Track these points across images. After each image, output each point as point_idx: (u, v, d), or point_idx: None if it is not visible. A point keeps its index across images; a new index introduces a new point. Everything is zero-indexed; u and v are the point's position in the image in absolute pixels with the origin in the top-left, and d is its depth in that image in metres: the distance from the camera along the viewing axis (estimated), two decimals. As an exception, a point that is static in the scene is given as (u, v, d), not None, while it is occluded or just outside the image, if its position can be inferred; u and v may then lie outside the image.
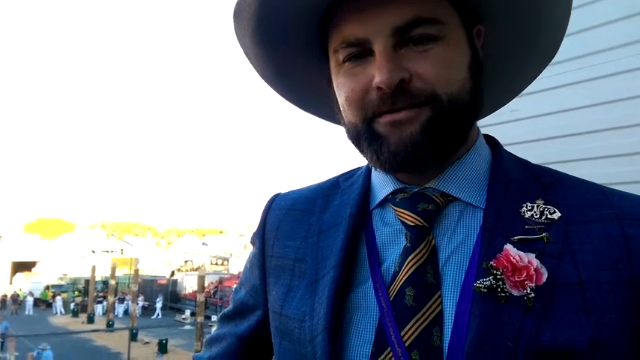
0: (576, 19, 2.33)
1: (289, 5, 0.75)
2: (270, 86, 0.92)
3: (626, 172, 2.21)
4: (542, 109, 2.52)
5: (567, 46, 2.09)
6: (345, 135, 0.80)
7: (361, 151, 0.78)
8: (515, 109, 2.52)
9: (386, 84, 0.69)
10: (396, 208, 0.79)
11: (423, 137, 0.71)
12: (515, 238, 0.70)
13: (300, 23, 0.79)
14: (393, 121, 0.71)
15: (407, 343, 0.68)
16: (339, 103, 0.78)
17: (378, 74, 0.69)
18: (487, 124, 2.67)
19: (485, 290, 0.66)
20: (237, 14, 0.78)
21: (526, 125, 2.55)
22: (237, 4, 0.76)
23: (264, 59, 0.86)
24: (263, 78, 0.90)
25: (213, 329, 1.06)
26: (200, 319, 25.76)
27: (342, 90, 0.76)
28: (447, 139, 0.73)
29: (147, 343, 26.47)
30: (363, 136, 0.75)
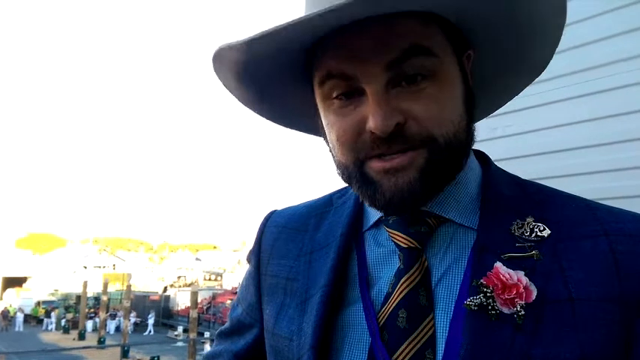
0: (570, 36, 2.36)
1: (271, 49, 0.71)
2: (255, 112, 0.89)
3: (620, 187, 2.22)
4: (535, 124, 2.53)
5: (561, 63, 2.12)
6: (336, 171, 0.78)
7: (352, 188, 0.77)
8: (508, 124, 2.54)
9: (381, 130, 0.66)
10: (389, 229, 0.79)
11: (421, 182, 0.69)
12: (506, 256, 0.69)
13: (284, 61, 0.76)
14: (386, 168, 0.69)
15: None
16: (330, 139, 0.76)
17: (372, 119, 0.66)
18: (481, 140, 2.67)
19: (475, 308, 0.66)
20: (216, 59, 0.74)
21: (520, 141, 2.57)
22: (217, 51, 0.72)
23: (246, 93, 0.83)
24: (247, 106, 0.87)
25: (206, 346, 1.05)
26: (193, 335, 25.42)
27: (332, 129, 0.73)
28: (443, 178, 0.72)
29: (139, 360, 26.14)
30: (354, 179, 0.73)
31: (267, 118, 0.91)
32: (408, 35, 0.66)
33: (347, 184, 0.78)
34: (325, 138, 0.78)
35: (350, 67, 0.68)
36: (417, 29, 0.67)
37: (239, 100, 0.86)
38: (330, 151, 0.78)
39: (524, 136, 2.55)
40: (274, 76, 0.80)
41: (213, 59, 0.74)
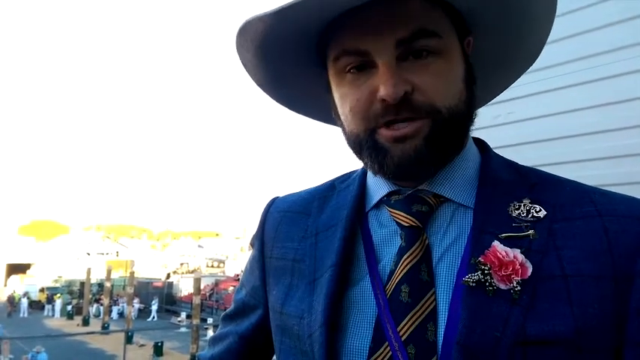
0: (572, 23, 2.36)
1: (295, 24, 0.76)
2: (267, 94, 0.93)
3: (620, 173, 2.23)
4: (537, 111, 2.53)
5: (563, 49, 2.12)
6: (345, 142, 0.83)
7: (361, 159, 0.81)
8: (511, 111, 2.54)
9: (391, 97, 0.71)
10: (391, 209, 0.82)
11: (426, 149, 0.74)
12: (503, 235, 0.73)
13: (303, 39, 0.81)
14: (396, 136, 0.74)
15: (403, 338, 0.71)
16: (342, 111, 0.81)
17: (382, 88, 0.72)
18: (484, 127, 2.69)
19: (473, 284, 0.70)
20: (242, 32, 0.79)
21: (522, 128, 2.57)
22: (244, 24, 0.77)
23: (263, 70, 0.88)
24: (260, 87, 0.92)
25: (209, 332, 1.08)
26: (196, 321, 25.64)
27: (346, 100, 0.78)
28: (447, 149, 0.77)
29: (142, 345, 26.38)
30: (365, 146, 0.78)
31: (280, 102, 0.96)
32: (416, 16, 0.72)
33: (355, 154, 0.82)
34: (336, 114, 0.83)
35: (363, 42, 0.73)
36: (425, 11, 0.73)
37: (255, 80, 0.90)
38: (342, 124, 0.82)
39: (526, 123, 2.56)
40: (291, 55, 0.85)
41: (238, 32, 0.79)
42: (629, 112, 2.23)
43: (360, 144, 0.78)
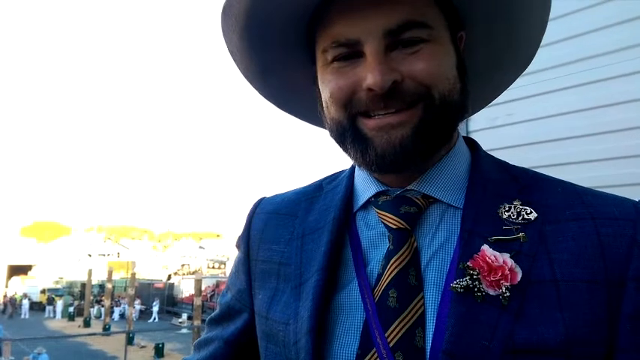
0: (570, 26, 2.36)
1: (279, 3, 0.74)
2: (253, 85, 0.91)
3: (620, 174, 2.22)
4: (536, 113, 2.53)
5: (561, 52, 2.12)
6: (329, 134, 0.81)
7: (345, 150, 0.79)
8: (509, 113, 2.54)
9: (379, 86, 0.69)
10: (378, 210, 0.80)
11: (413, 139, 0.71)
12: (492, 238, 0.71)
13: (290, 22, 0.79)
14: (381, 125, 0.72)
15: (391, 345, 0.69)
16: (323, 99, 0.78)
17: (370, 76, 0.69)
18: (482, 129, 2.69)
19: (461, 290, 0.67)
20: (226, 10, 0.77)
21: (521, 129, 2.57)
22: (227, 0, 0.75)
23: (249, 57, 0.85)
24: (246, 77, 0.90)
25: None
26: (197, 322, 25.62)
27: (327, 86, 0.75)
28: (436, 138, 0.74)
29: (143, 347, 26.33)
30: (347, 134, 0.75)
31: (266, 96, 0.93)
32: (405, 6, 0.70)
33: (339, 145, 0.79)
34: (320, 106, 0.80)
35: (352, 31, 0.71)
36: (414, 1, 0.71)
37: (242, 70, 0.88)
38: (324, 113, 0.80)
39: (525, 125, 2.55)
40: (278, 43, 0.83)
41: (223, 9, 0.77)
42: (629, 113, 2.23)
43: (343, 132, 0.76)
